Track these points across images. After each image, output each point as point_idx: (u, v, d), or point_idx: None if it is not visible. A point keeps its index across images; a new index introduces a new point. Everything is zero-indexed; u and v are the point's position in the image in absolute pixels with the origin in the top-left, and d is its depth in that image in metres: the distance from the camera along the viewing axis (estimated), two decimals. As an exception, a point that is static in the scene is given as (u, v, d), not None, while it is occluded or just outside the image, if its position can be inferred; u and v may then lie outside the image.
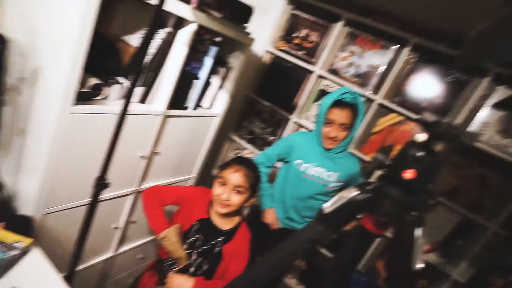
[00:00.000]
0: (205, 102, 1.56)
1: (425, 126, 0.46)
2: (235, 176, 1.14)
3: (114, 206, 1.36)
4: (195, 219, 1.21)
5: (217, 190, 1.17)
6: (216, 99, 1.60)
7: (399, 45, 1.79)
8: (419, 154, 0.45)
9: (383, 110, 1.86)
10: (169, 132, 1.37)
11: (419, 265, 0.44)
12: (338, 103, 1.44)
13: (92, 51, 0.93)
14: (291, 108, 2.11)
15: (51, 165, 1.01)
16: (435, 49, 1.69)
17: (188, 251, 1.19)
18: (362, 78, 1.91)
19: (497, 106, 1.61)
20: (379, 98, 1.84)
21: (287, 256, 0.50)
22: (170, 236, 1.14)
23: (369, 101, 1.89)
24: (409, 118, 1.78)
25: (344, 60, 1.95)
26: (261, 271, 0.53)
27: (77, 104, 0.98)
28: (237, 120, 2.35)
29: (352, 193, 0.50)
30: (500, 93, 1.60)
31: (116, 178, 1.18)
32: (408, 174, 0.43)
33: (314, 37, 2.04)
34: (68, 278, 1.06)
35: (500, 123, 1.61)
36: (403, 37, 1.76)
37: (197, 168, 1.72)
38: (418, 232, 0.41)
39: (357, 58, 1.91)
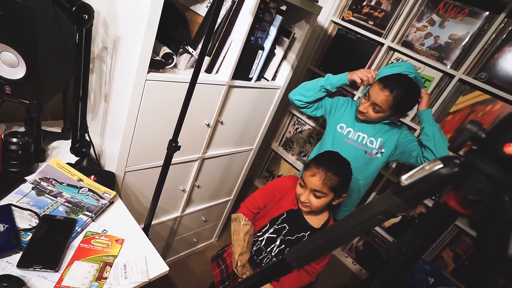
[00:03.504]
0: (268, 74, 1.54)
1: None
2: (312, 180, 1.08)
3: (182, 170, 1.45)
4: (284, 209, 1.20)
5: (298, 189, 1.15)
6: (279, 71, 1.57)
7: (489, 12, 1.55)
8: (527, 126, 0.38)
9: (465, 87, 1.66)
10: (232, 102, 1.40)
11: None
12: (384, 81, 1.25)
13: (163, 21, 0.94)
14: (356, 84, 1.99)
15: (129, 128, 1.09)
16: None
17: (274, 235, 1.21)
18: (440, 51, 1.71)
19: None
20: (460, 74, 1.64)
21: (356, 226, 0.48)
22: (239, 221, 1.17)
23: (448, 76, 1.69)
24: (497, 97, 1.56)
25: (420, 31, 1.76)
26: (326, 239, 0.52)
27: (150, 72, 1.03)
28: (297, 95, 2.30)
29: (436, 166, 0.45)
30: None
31: (184, 143, 1.25)
32: None
33: (386, 5, 1.87)
34: (145, 229, 1.18)
35: None
36: (496, 2, 1.51)
37: (258, 140, 1.75)
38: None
39: (437, 28, 1.71)
